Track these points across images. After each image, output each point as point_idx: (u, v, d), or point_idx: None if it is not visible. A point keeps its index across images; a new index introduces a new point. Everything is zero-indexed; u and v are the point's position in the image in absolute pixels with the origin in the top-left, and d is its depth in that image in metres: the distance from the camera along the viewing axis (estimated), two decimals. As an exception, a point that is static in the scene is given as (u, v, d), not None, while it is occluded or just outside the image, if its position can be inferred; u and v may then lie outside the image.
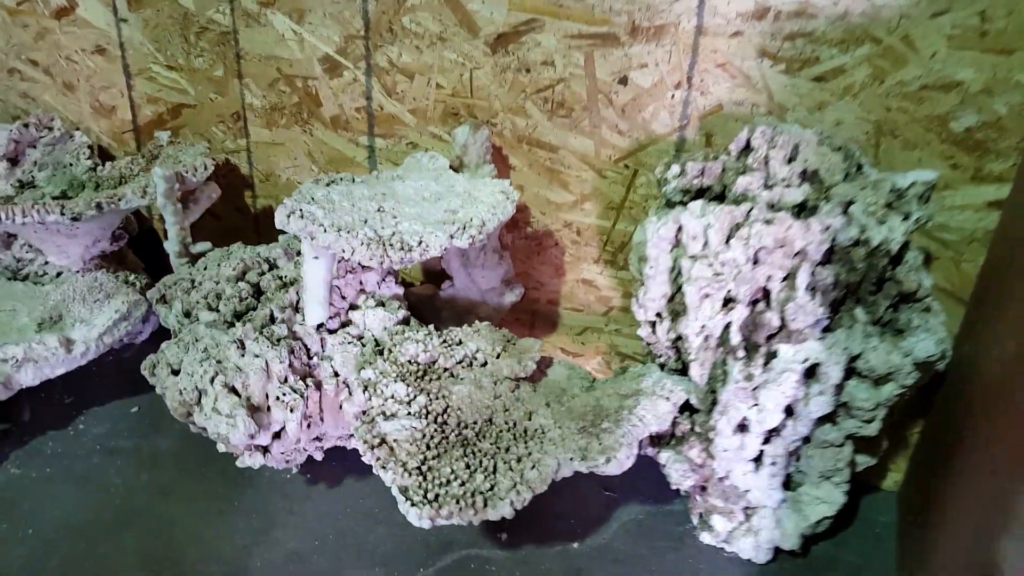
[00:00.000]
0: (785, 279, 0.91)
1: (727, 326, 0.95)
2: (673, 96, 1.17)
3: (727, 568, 1.11)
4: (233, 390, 1.04)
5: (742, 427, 0.98)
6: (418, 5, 1.24)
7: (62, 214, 1.20)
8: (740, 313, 0.94)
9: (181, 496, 1.21)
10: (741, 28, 1.10)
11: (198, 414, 1.05)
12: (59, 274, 1.35)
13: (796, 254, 0.90)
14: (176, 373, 1.08)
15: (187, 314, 1.17)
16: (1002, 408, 0.86)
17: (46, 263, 1.37)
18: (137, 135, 1.55)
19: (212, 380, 1.04)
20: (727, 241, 0.93)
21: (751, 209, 0.92)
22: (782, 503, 1.03)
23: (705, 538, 1.14)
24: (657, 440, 1.09)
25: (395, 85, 1.33)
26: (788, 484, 1.06)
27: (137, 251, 1.53)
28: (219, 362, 1.06)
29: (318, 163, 1.45)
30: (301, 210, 1.04)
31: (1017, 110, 1.01)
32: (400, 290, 1.23)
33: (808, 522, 1.04)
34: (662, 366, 1.11)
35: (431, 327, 1.15)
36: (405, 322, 1.18)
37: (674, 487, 1.08)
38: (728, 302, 0.95)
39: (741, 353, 0.95)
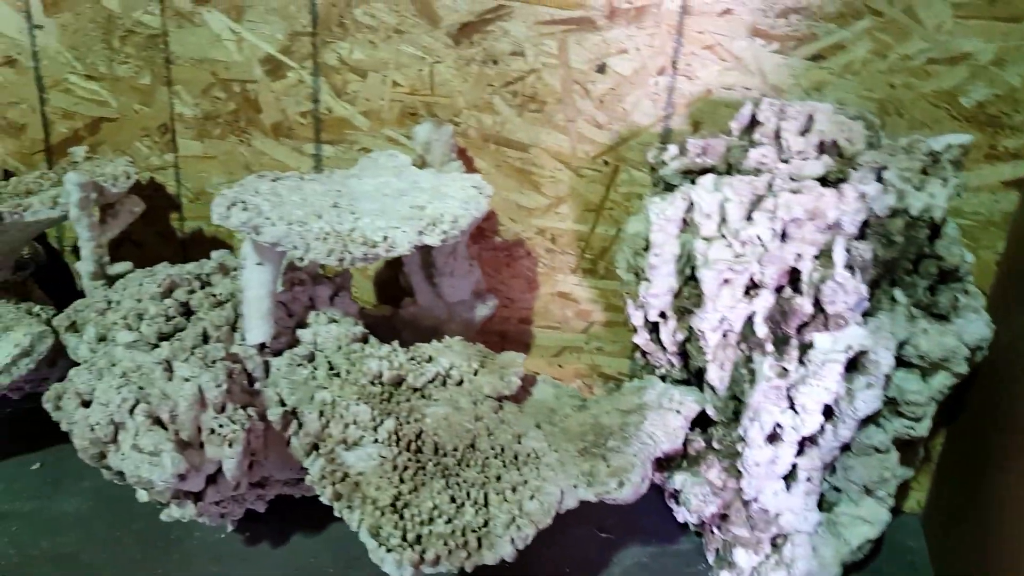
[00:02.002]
0: (817, 257, 0.79)
1: (750, 317, 0.82)
2: (656, 83, 1.08)
3: (753, 611, 0.95)
4: (158, 422, 0.85)
5: (772, 437, 0.84)
6: (372, -7, 1.12)
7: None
8: (766, 300, 0.81)
9: (87, 567, 1.01)
10: (730, 6, 1.02)
11: (113, 454, 0.85)
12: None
13: (829, 227, 0.78)
14: (87, 405, 0.88)
15: (102, 339, 0.97)
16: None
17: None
18: (49, 155, 1.37)
19: (132, 410, 0.85)
20: (748, 217, 0.80)
21: (773, 180, 0.80)
22: (817, 527, 0.89)
23: (724, 578, 0.98)
24: (666, 463, 0.94)
25: (346, 85, 1.20)
26: (820, 505, 0.92)
27: (44, 286, 1.32)
28: (141, 388, 0.86)
29: (258, 176, 1.29)
30: (244, 201, 0.87)
31: (1030, 81, 0.95)
32: (356, 306, 1.06)
33: (849, 547, 0.89)
34: (663, 378, 0.97)
35: (395, 344, 0.99)
36: (363, 340, 1.01)
37: (693, 517, 0.92)
38: (750, 288, 0.82)
39: (770, 347, 0.82)
